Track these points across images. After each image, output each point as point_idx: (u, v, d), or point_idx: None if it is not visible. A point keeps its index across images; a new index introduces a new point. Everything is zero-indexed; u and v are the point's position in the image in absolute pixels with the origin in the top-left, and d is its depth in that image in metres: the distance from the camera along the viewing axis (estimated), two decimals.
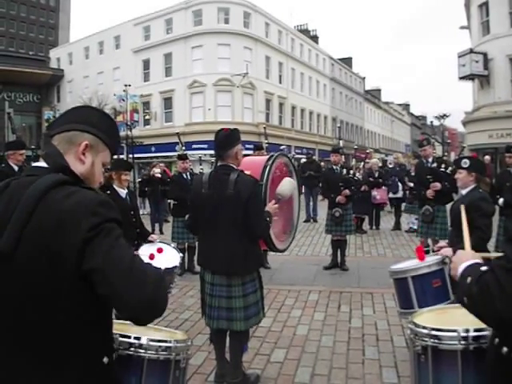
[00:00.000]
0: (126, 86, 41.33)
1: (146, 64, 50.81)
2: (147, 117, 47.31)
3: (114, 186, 6.40)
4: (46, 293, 1.66)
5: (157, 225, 16.35)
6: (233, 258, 4.48)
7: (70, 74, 60.35)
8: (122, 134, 43.61)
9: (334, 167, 10.48)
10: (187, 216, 9.43)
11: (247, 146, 43.62)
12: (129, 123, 37.88)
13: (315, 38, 66.17)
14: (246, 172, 4.61)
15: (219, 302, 4.55)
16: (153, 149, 44.28)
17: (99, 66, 54.77)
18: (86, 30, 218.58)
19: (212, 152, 25.65)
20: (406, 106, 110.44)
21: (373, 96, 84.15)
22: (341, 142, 19.48)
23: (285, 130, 52.34)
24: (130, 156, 35.15)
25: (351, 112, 72.20)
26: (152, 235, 6.59)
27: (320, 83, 62.96)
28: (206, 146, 41.43)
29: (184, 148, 10.55)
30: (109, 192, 6.31)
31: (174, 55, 48.25)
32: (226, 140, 4.60)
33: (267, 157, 5.30)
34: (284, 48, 53.96)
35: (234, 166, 4.60)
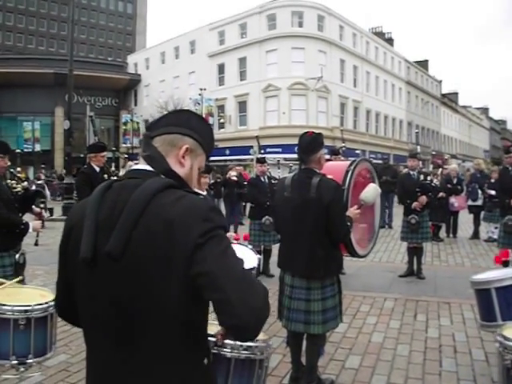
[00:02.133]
0: (201, 89, 41.83)
1: (221, 68, 51.35)
2: (222, 120, 47.74)
3: (194, 189, 6.31)
4: (154, 294, 1.66)
5: (231, 227, 16.26)
6: (313, 261, 4.46)
7: (146, 79, 61.92)
8: None
9: (411, 172, 10.13)
10: (264, 218, 9.44)
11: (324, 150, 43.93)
12: None
13: (390, 41, 65.28)
14: (329, 176, 4.55)
15: (298, 305, 4.54)
16: (227, 152, 44.51)
17: (175, 71, 55.82)
18: (162, 35, 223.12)
19: (286, 156, 25.87)
20: (485, 110, 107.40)
21: (450, 100, 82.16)
22: (418, 147, 18.91)
23: (359, 135, 51.68)
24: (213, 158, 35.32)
25: (427, 116, 70.66)
26: (230, 233, 6.49)
27: (395, 86, 61.92)
28: (280, 149, 41.40)
29: (256, 151, 10.41)
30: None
31: (248, 59, 48.51)
32: (310, 144, 4.58)
33: (349, 162, 5.24)
34: (359, 51, 53.38)
35: (317, 170, 4.57)
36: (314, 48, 46.53)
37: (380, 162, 56.30)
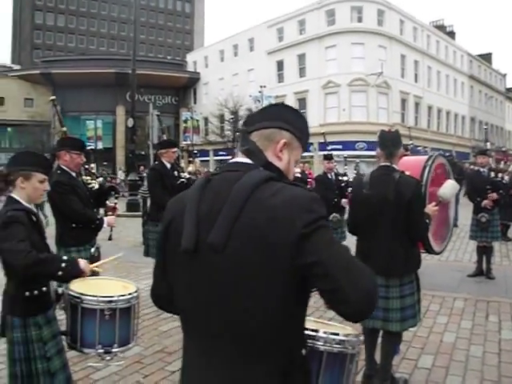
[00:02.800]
0: (261, 87, 41.81)
1: (280, 65, 51.35)
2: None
3: None
4: (256, 284, 1.67)
5: None
6: (392, 258, 4.41)
7: (205, 77, 62.44)
8: None
9: (481, 169, 9.75)
10: (332, 216, 9.26)
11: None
12: None
13: (452, 34, 63.79)
14: (406, 172, 4.50)
15: None
16: None
17: (234, 68, 56.16)
18: (221, 33, 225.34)
19: (347, 152, 25.56)
20: None
21: None
22: (488, 143, 18.29)
23: (420, 131, 50.58)
24: None
25: (491, 111, 68.63)
26: None
27: (457, 81, 60.44)
28: (340, 146, 41.03)
29: (317, 148, 10.24)
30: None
31: (307, 56, 48.32)
32: (393, 141, 4.56)
33: (426, 157, 5.16)
34: (419, 45, 52.32)
35: (396, 167, 4.51)
36: (373, 43, 45.93)
37: None
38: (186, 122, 55.03)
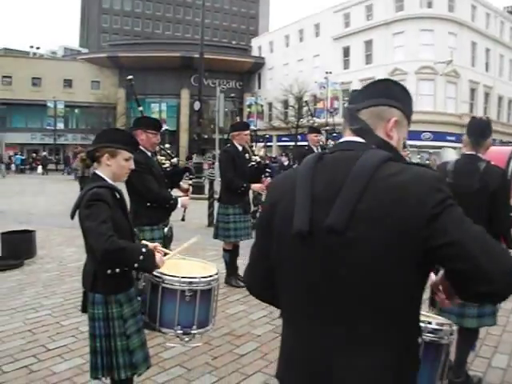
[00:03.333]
0: (326, 73, 41.37)
1: (346, 51, 50.69)
2: (346, 104, 46.95)
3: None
4: (378, 268, 1.58)
5: None
6: None
7: (270, 62, 62.38)
8: (322, 120, 44.05)
9: None
10: None
11: (448, 138, 41.68)
12: (330, 110, 37.92)
13: None
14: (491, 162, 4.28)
15: None
16: None
17: (299, 54, 55.86)
18: (286, 18, 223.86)
19: (412, 142, 25.12)
20: None
21: None
22: None
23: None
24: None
25: None
26: None
27: None
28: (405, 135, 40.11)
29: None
30: None
31: (374, 42, 47.54)
32: (485, 129, 4.32)
33: (511, 148, 5.00)
34: (492, 33, 50.44)
35: (482, 156, 4.28)
36: (443, 30, 44.63)
37: None
38: (250, 106, 55.14)
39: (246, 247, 8.48)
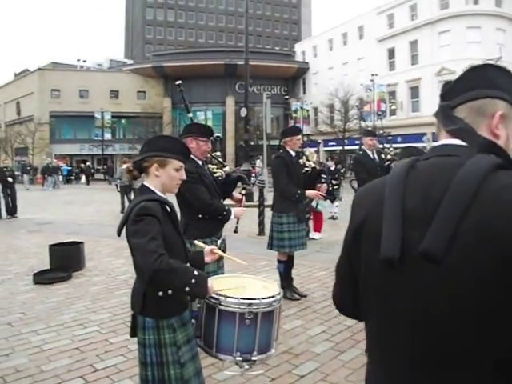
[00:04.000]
0: (372, 75, 40.83)
1: (391, 53, 49.96)
2: (393, 107, 46.27)
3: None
4: (485, 305, 1.27)
5: None
6: None
7: (314, 67, 62.01)
8: (370, 123, 43.37)
9: None
10: None
11: None
12: (378, 112, 37.33)
13: None
14: None
15: None
16: (399, 139, 42.84)
17: (343, 57, 55.41)
18: (329, 22, 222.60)
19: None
20: None
21: None
22: None
23: None
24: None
25: None
26: None
27: None
28: None
29: (430, 139, 9.44)
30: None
31: (419, 42, 46.69)
32: None
33: None
34: None
35: None
36: (491, 26, 43.61)
37: None
38: (295, 112, 54.85)
39: (300, 256, 8.19)
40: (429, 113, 42.16)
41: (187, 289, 2.62)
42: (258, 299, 2.89)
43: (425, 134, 41.07)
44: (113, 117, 58.20)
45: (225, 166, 5.81)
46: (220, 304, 2.86)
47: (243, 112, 20.59)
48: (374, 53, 50.93)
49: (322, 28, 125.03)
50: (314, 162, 7.51)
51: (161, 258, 2.53)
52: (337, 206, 14.99)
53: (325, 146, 56.24)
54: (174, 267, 2.58)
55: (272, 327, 3.03)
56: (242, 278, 3.50)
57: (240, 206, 5.39)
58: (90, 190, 35.89)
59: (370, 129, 8.68)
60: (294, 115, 54.32)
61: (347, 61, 54.90)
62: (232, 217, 5.10)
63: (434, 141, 42.49)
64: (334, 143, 52.92)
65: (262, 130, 42.64)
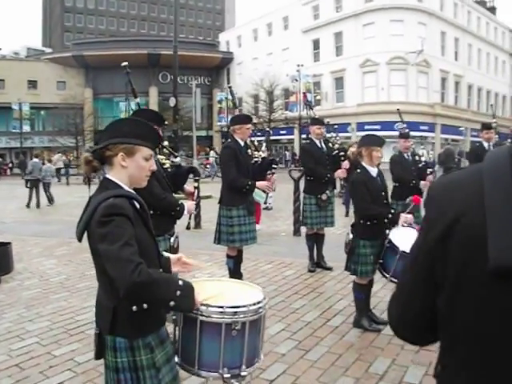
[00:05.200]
0: (298, 65, 40.88)
1: (316, 44, 50.41)
2: (318, 97, 46.51)
3: (364, 164, 5.38)
4: None
5: (351, 207, 15.16)
6: None
7: (239, 57, 61.71)
8: (295, 114, 43.52)
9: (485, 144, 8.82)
10: (408, 199, 8.38)
11: (422, 127, 41.78)
12: (307, 103, 37.34)
13: (492, 10, 62.13)
14: None
15: None
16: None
17: (268, 48, 55.35)
18: (253, 12, 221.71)
19: (386, 133, 25.05)
20: None
21: None
22: (494, 119, 17.16)
23: (460, 111, 49.56)
24: (304, 136, 34.54)
25: None
26: (404, 216, 5.55)
27: (498, 60, 58.83)
28: (378, 126, 40.08)
29: (355, 128, 9.31)
30: (359, 171, 5.41)
31: (344, 34, 47.32)
32: None
33: None
34: (460, 22, 50.88)
35: None
36: (413, 20, 44.75)
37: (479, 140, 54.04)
38: (220, 102, 54.31)
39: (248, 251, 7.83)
40: (353, 103, 42.82)
41: (172, 303, 2.19)
42: (245, 306, 2.50)
43: (349, 124, 41.61)
44: (31, 108, 55.69)
45: (176, 157, 5.34)
46: (202, 315, 2.44)
47: (172, 101, 19.89)
48: (299, 43, 51.12)
49: (247, 18, 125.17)
50: (263, 152, 7.10)
51: (139, 269, 2.09)
52: (271, 197, 14.73)
53: (250, 137, 55.91)
54: (155, 279, 2.15)
55: (259, 336, 2.65)
56: (218, 282, 3.07)
57: (192, 200, 4.97)
58: (10, 186, 34.20)
59: (317, 117, 8.39)
60: (218, 105, 53.83)
61: (272, 51, 54.85)
62: (185, 212, 4.68)
63: (358, 130, 43.52)
64: (259, 133, 52.87)
65: (185, 121, 42.14)
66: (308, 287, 7.05)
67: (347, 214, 14.57)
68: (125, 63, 5.77)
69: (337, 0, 48.37)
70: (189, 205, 4.76)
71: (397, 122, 42.21)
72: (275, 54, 54.39)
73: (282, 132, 49.78)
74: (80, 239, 2.36)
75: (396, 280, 5.25)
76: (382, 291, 6.48)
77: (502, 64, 59.57)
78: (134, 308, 2.26)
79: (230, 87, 8.17)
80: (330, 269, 8.02)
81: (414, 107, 42.02)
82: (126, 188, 2.43)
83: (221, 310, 2.44)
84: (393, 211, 5.48)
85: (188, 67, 56.12)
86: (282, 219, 13.51)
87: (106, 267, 2.19)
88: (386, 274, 5.31)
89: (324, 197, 7.84)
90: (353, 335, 5.24)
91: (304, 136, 41.55)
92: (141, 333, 2.33)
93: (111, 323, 2.30)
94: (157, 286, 2.15)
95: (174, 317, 2.57)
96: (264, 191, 7.02)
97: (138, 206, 2.41)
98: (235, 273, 6.77)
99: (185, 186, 5.15)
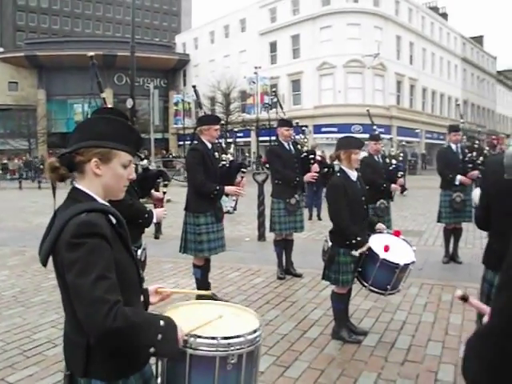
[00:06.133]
0: (256, 68, 40.75)
1: (273, 46, 50.22)
2: (275, 99, 46.31)
3: (343, 168, 5.13)
4: None
5: (315, 209, 14.98)
6: None
7: (195, 59, 61.04)
8: (252, 116, 43.32)
9: (453, 146, 8.77)
10: (379, 202, 8.19)
11: (378, 129, 42.80)
12: (266, 105, 37.43)
13: (445, 16, 63.13)
14: None
15: None
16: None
17: (225, 50, 54.97)
18: (210, 14, 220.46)
19: (341, 136, 25.27)
20: None
21: (505, 77, 79.14)
22: (462, 120, 17.32)
23: (416, 114, 50.21)
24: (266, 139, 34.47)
25: (482, 94, 68.18)
26: (380, 224, 5.38)
27: (451, 64, 59.78)
28: (335, 129, 40.26)
29: (312, 131, 9.14)
30: (338, 174, 5.16)
31: (301, 36, 47.23)
32: None
33: None
34: (414, 27, 51.48)
35: None
36: (369, 24, 45.03)
37: (437, 142, 55.03)
38: (176, 104, 53.73)
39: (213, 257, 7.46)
40: (310, 106, 42.88)
41: (152, 350, 1.82)
42: (243, 336, 2.15)
43: (306, 127, 41.54)
44: None
45: (142, 160, 4.97)
46: (191, 347, 2.07)
47: (129, 103, 19.42)
48: (256, 46, 50.91)
49: (203, 20, 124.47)
50: (231, 155, 6.76)
51: (114, 311, 1.70)
52: (234, 200, 14.36)
53: (217, 138, 55.65)
54: (133, 322, 1.76)
55: (255, 369, 2.30)
56: (204, 306, 2.68)
57: (161, 207, 4.61)
58: None
59: (286, 118, 8.11)
60: (174, 108, 53.19)
61: (229, 53, 54.47)
62: (154, 220, 4.33)
63: (315, 133, 43.56)
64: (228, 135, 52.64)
65: (141, 123, 41.45)
66: (279, 296, 6.75)
67: (311, 218, 14.38)
68: (91, 53, 5.33)
69: (294, 3, 48.29)
70: (158, 212, 4.41)
71: (354, 124, 42.96)
72: (232, 57, 54.04)
73: (239, 135, 49.52)
74: (45, 263, 1.92)
75: (376, 289, 5.04)
76: (358, 298, 6.23)
77: (454, 68, 60.63)
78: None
79: (194, 87, 7.84)
80: (299, 276, 7.77)
81: (370, 109, 42.25)
82: (101, 200, 2.02)
83: (214, 342, 2.07)
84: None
85: (144, 69, 55.41)
86: (244, 223, 13.22)
87: (74, 304, 1.79)
88: (364, 283, 5.08)
89: (293, 201, 7.58)
90: (333, 348, 4.96)
91: (267, 138, 41.48)
92: (121, 373, 1.93)
93: (85, 364, 1.89)
94: (134, 332, 1.77)
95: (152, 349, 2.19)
96: (227, 195, 6.68)
97: (114, 221, 1.99)
98: (203, 283, 6.43)
99: (152, 191, 4.80)
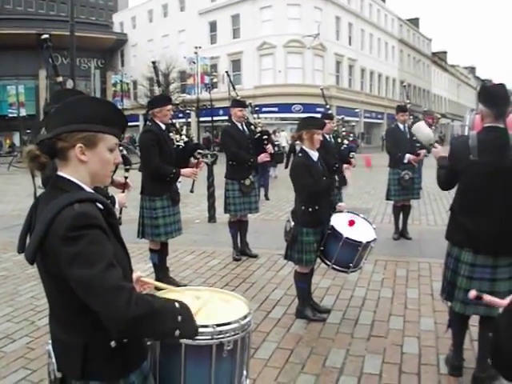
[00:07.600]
0: (196, 47, 40.32)
1: (213, 26, 49.78)
2: (215, 80, 46.00)
3: (304, 148, 5.12)
4: None
5: (262, 189, 14.98)
6: (503, 235, 3.71)
7: (133, 38, 59.90)
8: (193, 97, 42.93)
9: (401, 126, 9.00)
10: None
11: (318, 109, 42.69)
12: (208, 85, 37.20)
13: None
14: None
15: (480, 285, 3.72)
16: (221, 112, 42.79)
17: (164, 29, 54.10)
18: None
19: (283, 115, 25.50)
20: (472, 70, 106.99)
21: (440, 58, 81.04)
22: (408, 101, 17.78)
23: (354, 94, 50.95)
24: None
25: (418, 75, 69.70)
26: (340, 204, 5.55)
27: (388, 45, 60.81)
28: (276, 109, 40.42)
29: (329, 107, 9.15)
30: (300, 154, 5.16)
31: (241, 16, 46.99)
32: (505, 97, 3.73)
33: None
34: (353, 8, 52.07)
35: (508, 129, 3.77)
36: (309, 4, 45.27)
37: (376, 121, 56.00)
38: (115, 85, 52.62)
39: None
40: (250, 86, 42.77)
41: (177, 332, 1.75)
42: (236, 322, 2.08)
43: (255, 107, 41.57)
44: None
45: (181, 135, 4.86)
46: None
47: (69, 84, 18.83)
48: (196, 26, 50.29)
49: None
50: (186, 136, 6.62)
51: (135, 298, 1.62)
52: (179, 182, 14.21)
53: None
54: (157, 307, 1.69)
55: (247, 352, 2.25)
56: (193, 292, 2.55)
57: (123, 192, 4.47)
58: None
59: (239, 99, 8.00)
60: (112, 88, 52.09)
61: (168, 33, 53.67)
62: (116, 205, 4.19)
63: (255, 112, 43.04)
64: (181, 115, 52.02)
65: None
66: (238, 277, 6.72)
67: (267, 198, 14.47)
68: (46, 36, 5.06)
69: None
70: (120, 197, 4.26)
71: (294, 104, 43.21)
72: (171, 36, 53.26)
73: (180, 115, 49.03)
74: (32, 261, 1.76)
75: (339, 268, 5.08)
76: (316, 277, 6.25)
77: (391, 49, 61.70)
78: (113, 343, 1.78)
79: (154, 63, 7.61)
80: (255, 256, 7.76)
81: (310, 89, 42.47)
82: (88, 189, 1.87)
83: (211, 330, 1.99)
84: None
85: (81, 49, 53.34)
86: (192, 205, 13.06)
87: (87, 299, 1.66)
88: (327, 262, 5.13)
89: (247, 182, 7.54)
90: (298, 327, 5.00)
91: (209, 119, 41.14)
92: (122, 372, 1.83)
93: (82, 366, 1.78)
94: (160, 316, 1.70)
95: (149, 342, 2.09)
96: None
97: (104, 211, 1.86)
98: (160, 268, 6.35)
99: (114, 176, 4.64)
